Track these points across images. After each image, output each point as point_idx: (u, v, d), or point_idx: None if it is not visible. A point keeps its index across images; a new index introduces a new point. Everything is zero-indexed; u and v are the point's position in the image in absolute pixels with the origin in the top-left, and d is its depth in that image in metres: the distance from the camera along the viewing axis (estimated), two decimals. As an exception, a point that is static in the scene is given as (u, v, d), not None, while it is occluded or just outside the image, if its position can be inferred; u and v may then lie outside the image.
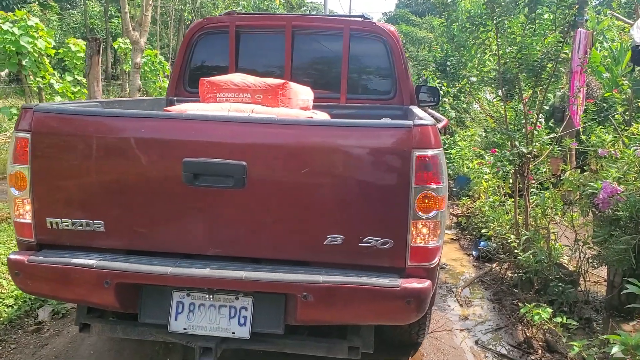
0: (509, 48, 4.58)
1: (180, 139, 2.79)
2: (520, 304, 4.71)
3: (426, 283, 2.74)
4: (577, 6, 4.41)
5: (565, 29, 4.54)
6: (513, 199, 5.91)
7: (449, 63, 10.05)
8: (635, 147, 3.39)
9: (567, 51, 5.04)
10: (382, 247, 2.73)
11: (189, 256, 2.88)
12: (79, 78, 11.80)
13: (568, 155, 5.92)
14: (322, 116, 3.82)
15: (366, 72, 4.73)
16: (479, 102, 9.00)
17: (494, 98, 8.97)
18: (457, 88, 9.55)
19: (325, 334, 3.07)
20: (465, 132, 9.37)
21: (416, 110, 3.89)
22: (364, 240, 2.73)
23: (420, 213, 2.69)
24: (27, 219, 2.91)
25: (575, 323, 3.62)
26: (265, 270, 2.75)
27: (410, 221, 2.70)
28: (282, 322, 2.83)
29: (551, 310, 3.31)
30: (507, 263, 5.45)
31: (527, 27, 4.66)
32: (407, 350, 3.95)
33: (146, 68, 15.45)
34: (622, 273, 4.51)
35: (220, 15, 4.80)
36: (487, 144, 8.69)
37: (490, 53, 4.75)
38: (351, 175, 2.73)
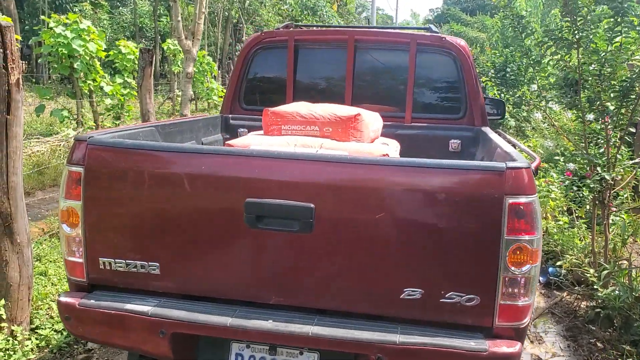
0: (593, 65, 4.18)
1: (243, 176, 2.54)
2: (599, 344, 4.34)
3: (517, 347, 2.42)
4: (673, 19, 3.97)
5: (658, 44, 4.11)
6: (586, 224, 5.49)
7: (508, 69, 9.58)
8: None
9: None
10: (467, 303, 2.42)
11: (250, 304, 2.63)
12: (128, 80, 11.81)
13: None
14: (393, 145, 3.52)
15: (434, 90, 4.41)
16: (542, 111, 8.51)
17: (558, 108, 8.50)
18: (517, 95, 9.07)
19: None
20: (526, 142, 8.90)
21: (493, 136, 3.55)
22: (447, 295, 2.43)
23: (511, 267, 2.38)
24: (79, 258, 2.72)
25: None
26: (333, 326, 2.48)
27: (500, 276, 2.39)
28: None
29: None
30: (581, 294, 5.05)
31: (612, 40, 4.25)
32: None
33: (194, 69, 15.42)
34: None
35: (278, 29, 4.55)
36: (548, 156, 8.23)
37: (570, 70, 4.35)
38: (432, 222, 2.43)
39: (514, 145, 3.60)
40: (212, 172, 2.57)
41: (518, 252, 2.38)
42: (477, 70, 10.83)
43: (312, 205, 2.43)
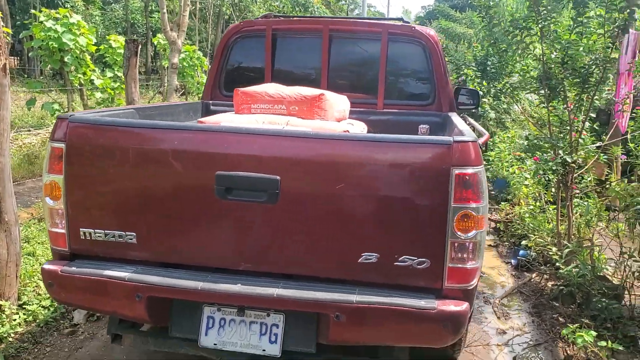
0: (554, 53, 4.40)
1: (214, 151, 2.74)
2: (561, 319, 4.57)
3: (464, 305, 2.63)
4: (628, 11, 4.19)
5: (615, 33, 4.33)
6: (555, 207, 5.72)
7: (489, 63, 9.80)
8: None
9: (615, 56, 4.81)
10: (419, 266, 2.63)
11: (221, 270, 2.84)
12: (119, 74, 11.97)
13: (614, 161, 5.68)
14: (359, 126, 3.73)
15: (404, 77, 4.61)
16: (520, 103, 8.74)
17: (535, 99, 8.72)
18: (498, 88, 9.29)
19: (358, 352, 2.99)
20: (505, 133, 9.13)
21: (456, 119, 3.76)
22: (400, 259, 2.64)
23: (458, 233, 2.59)
24: (62, 228, 2.91)
25: (621, 348, 3.46)
26: (296, 288, 2.69)
27: (448, 241, 2.60)
28: (314, 340, 2.77)
29: (595, 334, 3.16)
30: (548, 274, 5.28)
31: (573, 30, 4.47)
32: (442, 366, 3.84)
33: (184, 64, 15.55)
34: (671, 289, 4.31)
35: (257, 19, 4.75)
36: (529, 147, 8.45)
37: (534, 58, 4.56)
38: (387, 192, 2.64)
39: (472, 127, 3.81)
40: (185, 147, 2.77)
41: (465, 219, 2.58)
42: (460, 64, 11.09)
43: (277, 178, 2.64)
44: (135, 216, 2.84)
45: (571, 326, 3.29)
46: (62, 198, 2.87)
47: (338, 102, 3.77)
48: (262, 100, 3.60)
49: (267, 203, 2.67)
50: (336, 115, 3.68)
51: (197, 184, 2.76)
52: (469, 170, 2.56)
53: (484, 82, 9.82)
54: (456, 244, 2.61)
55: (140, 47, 5.86)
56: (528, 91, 5.54)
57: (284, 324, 2.79)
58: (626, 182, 4.84)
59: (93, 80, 11.48)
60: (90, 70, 11.42)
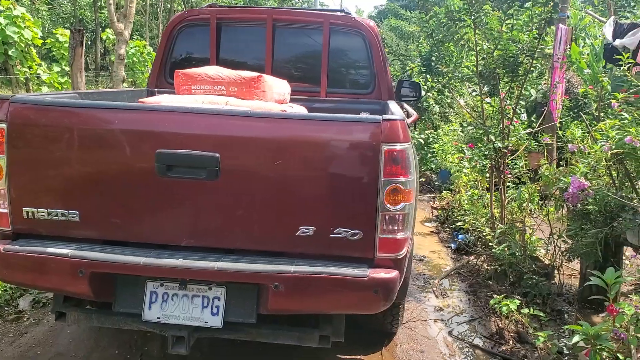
0: (486, 44, 4.65)
1: (154, 130, 2.84)
2: (495, 296, 4.82)
3: (394, 273, 2.81)
4: (552, 3, 4.48)
5: (542, 25, 4.61)
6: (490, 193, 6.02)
7: (433, 58, 10.11)
8: (602, 143, 3.48)
9: (546, 47, 5.11)
10: (352, 238, 2.80)
11: (164, 247, 2.93)
12: (66, 69, 11.77)
13: (546, 150, 6.00)
14: (299, 110, 3.87)
15: (346, 67, 4.79)
16: (460, 97, 9.08)
17: (475, 93, 9.07)
18: (442, 83, 9.63)
19: (300, 323, 3.14)
20: (448, 126, 9.45)
21: (392, 105, 3.96)
22: (335, 231, 2.79)
23: (388, 205, 2.76)
24: (4, 208, 2.95)
25: (542, 314, 3.71)
26: (237, 261, 2.81)
27: (379, 213, 2.77)
28: (254, 311, 2.90)
29: (519, 302, 3.40)
30: (484, 256, 5.55)
31: (504, 23, 4.73)
32: (382, 340, 4.03)
33: (135, 59, 15.42)
34: (593, 266, 4.61)
35: (201, 8, 4.84)
36: (468, 139, 8.79)
37: (468, 49, 4.81)
38: (322, 168, 2.79)
39: (405, 111, 4.02)
40: (126, 126, 2.85)
41: (394, 193, 2.76)
42: (406, 59, 11.40)
43: (217, 155, 2.75)
44: (78, 195, 2.90)
45: (498, 297, 3.52)
46: (4, 178, 2.91)
47: (277, 85, 3.92)
48: (202, 82, 3.71)
49: (207, 180, 2.79)
50: (276, 98, 3.82)
51: (139, 162, 2.85)
52: (397, 147, 2.74)
53: (429, 77, 10.13)
54: (386, 216, 2.78)
55: (85, 36, 5.85)
56: (464, 82, 5.81)
57: (226, 297, 2.91)
58: (555, 167, 5.14)
59: (40, 74, 11.28)
60: (36, 64, 11.22)
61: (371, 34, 4.60)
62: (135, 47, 16.00)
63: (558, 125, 5.28)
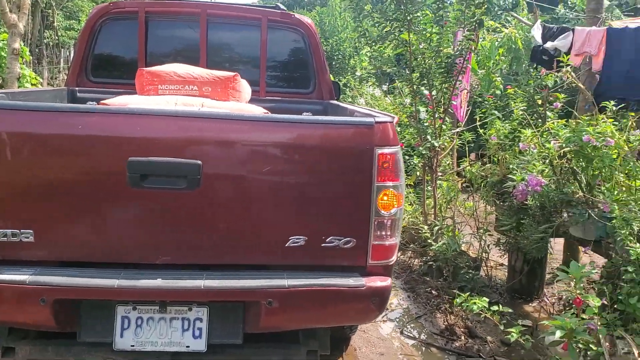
0: (422, 44, 4.72)
1: (124, 135, 2.51)
2: (434, 292, 4.94)
3: (388, 281, 2.73)
4: (485, 6, 4.64)
5: (473, 26, 4.77)
6: (415, 191, 6.15)
7: (335, 57, 10.20)
8: (554, 142, 3.66)
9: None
10: (345, 246, 2.67)
11: (133, 266, 2.61)
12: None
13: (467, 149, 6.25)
14: (259, 111, 3.66)
15: (285, 65, 4.61)
16: (364, 96, 9.22)
17: (379, 93, 9.27)
18: (343, 83, 9.72)
19: (280, 338, 2.95)
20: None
21: (347, 105, 3.87)
22: (327, 240, 2.65)
23: (382, 211, 2.67)
24: None
25: (511, 310, 3.82)
26: (223, 278, 2.57)
27: (372, 219, 2.67)
28: (241, 331, 2.67)
29: (487, 300, 3.48)
30: (412, 252, 5.66)
31: (436, 23, 4.83)
32: (339, 346, 3.93)
33: (2, 53, 13.84)
34: (522, 258, 4.88)
35: (127, 0, 4.41)
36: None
37: (403, 49, 4.85)
38: (313, 174, 2.63)
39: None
40: (90, 131, 2.49)
41: (386, 197, 2.67)
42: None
43: (199, 162, 2.49)
44: (32, 211, 2.49)
45: (463, 295, 3.58)
46: None
47: (246, 85, 3.67)
48: (170, 81, 3.35)
49: (188, 190, 2.52)
50: (246, 98, 3.58)
51: (106, 172, 2.50)
52: (390, 150, 2.65)
53: (331, 77, 10.17)
54: (379, 222, 2.69)
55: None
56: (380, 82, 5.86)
57: (209, 317, 2.65)
58: (480, 164, 5.36)
59: None
60: None
61: (310, 31, 4.47)
62: (2, 40, 14.40)
63: (478, 123, 5.50)
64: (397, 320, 4.50)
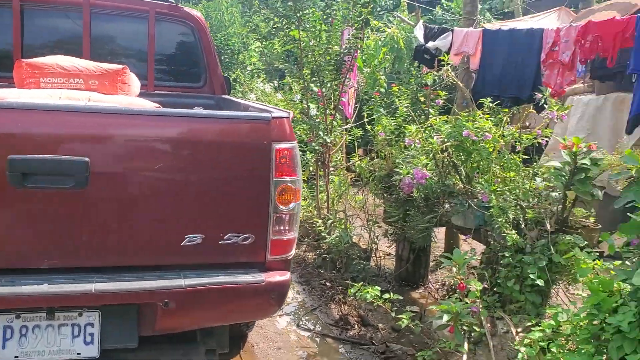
0: (312, 41, 4.79)
1: (3, 132, 2.33)
2: (328, 284, 5.05)
3: (287, 275, 2.76)
4: (372, 5, 4.79)
5: (360, 25, 4.91)
6: (307, 185, 6.24)
7: (224, 52, 10.05)
8: (436, 137, 3.87)
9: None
10: (244, 242, 2.66)
11: (12, 271, 2.43)
12: None
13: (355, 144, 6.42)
14: (150, 105, 3.53)
15: (174, 59, 4.47)
16: (254, 92, 9.20)
17: (269, 89, 9.28)
18: (232, 78, 9.62)
19: (178, 339, 2.88)
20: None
21: (240, 100, 3.84)
22: (225, 237, 2.63)
23: (280, 206, 2.69)
24: None
25: (401, 298, 3.98)
26: (117, 280, 2.46)
27: (271, 215, 2.68)
28: (136, 333, 2.58)
29: (379, 288, 3.61)
30: (306, 245, 5.75)
31: (325, 20, 4.93)
32: (237, 343, 3.91)
33: None
34: (408, 247, 5.12)
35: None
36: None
37: (293, 45, 4.89)
38: (210, 170, 2.59)
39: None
40: None
41: (285, 192, 2.70)
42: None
43: (86, 159, 2.37)
44: None
45: (357, 285, 3.69)
46: None
47: (135, 79, 3.51)
48: (53, 74, 3.11)
49: (75, 189, 2.39)
50: (135, 92, 3.42)
51: None
52: (287, 145, 2.68)
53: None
54: (278, 217, 2.71)
55: None
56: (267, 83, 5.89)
57: (100, 322, 2.53)
58: (368, 159, 5.55)
59: None
60: None
61: (200, 25, 4.38)
62: None
63: (365, 119, 5.70)
64: (293, 313, 4.55)
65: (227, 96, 4.33)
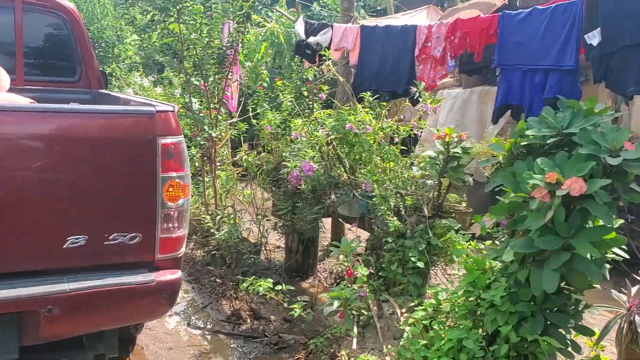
0: (193, 34, 4.72)
1: None
2: (218, 280, 5.02)
3: (178, 273, 2.72)
4: (252, 1, 4.80)
5: (242, 19, 4.90)
6: (193, 181, 6.13)
7: (97, 46, 9.58)
8: (321, 130, 3.96)
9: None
10: (131, 242, 2.59)
11: None
12: None
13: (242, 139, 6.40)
14: (24, 101, 3.30)
15: (46, 52, 4.19)
16: (132, 86, 8.89)
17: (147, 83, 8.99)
18: (108, 72, 9.19)
19: (63, 346, 2.74)
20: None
21: (120, 94, 3.71)
22: (111, 237, 2.54)
23: (168, 203, 2.65)
24: None
25: (293, 288, 4.04)
26: None
27: (159, 212, 2.63)
28: (16, 344, 2.42)
29: (271, 281, 3.64)
30: (195, 243, 5.66)
31: (206, 14, 4.87)
32: (125, 347, 3.78)
33: None
34: (297, 239, 5.21)
35: None
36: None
37: (172, 38, 4.79)
38: (92, 168, 2.49)
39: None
40: None
41: (172, 188, 2.66)
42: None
43: None
44: None
45: (249, 279, 3.70)
46: None
47: (4, 73, 3.25)
48: None
49: None
50: (5, 87, 3.17)
51: None
52: (174, 139, 2.64)
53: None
54: (166, 215, 2.66)
55: None
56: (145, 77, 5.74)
57: (-26, 335, 2.36)
58: (255, 154, 5.56)
59: None
60: None
61: (74, 16, 4.15)
62: None
63: (251, 113, 5.69)
64: (183, 312, 4.48)
65: (104, 91, 4.15)
